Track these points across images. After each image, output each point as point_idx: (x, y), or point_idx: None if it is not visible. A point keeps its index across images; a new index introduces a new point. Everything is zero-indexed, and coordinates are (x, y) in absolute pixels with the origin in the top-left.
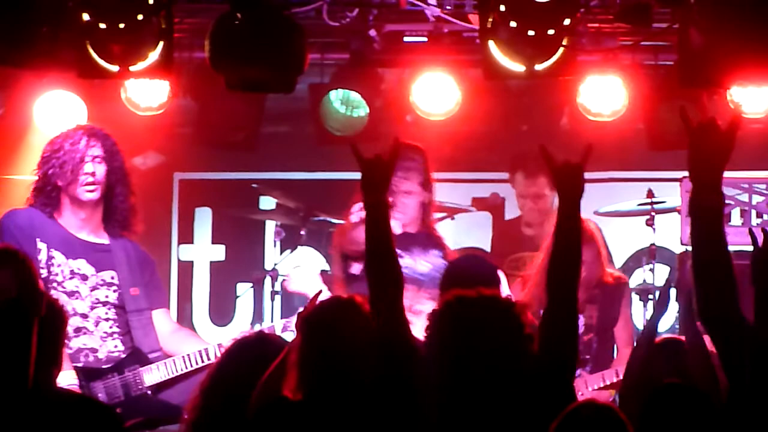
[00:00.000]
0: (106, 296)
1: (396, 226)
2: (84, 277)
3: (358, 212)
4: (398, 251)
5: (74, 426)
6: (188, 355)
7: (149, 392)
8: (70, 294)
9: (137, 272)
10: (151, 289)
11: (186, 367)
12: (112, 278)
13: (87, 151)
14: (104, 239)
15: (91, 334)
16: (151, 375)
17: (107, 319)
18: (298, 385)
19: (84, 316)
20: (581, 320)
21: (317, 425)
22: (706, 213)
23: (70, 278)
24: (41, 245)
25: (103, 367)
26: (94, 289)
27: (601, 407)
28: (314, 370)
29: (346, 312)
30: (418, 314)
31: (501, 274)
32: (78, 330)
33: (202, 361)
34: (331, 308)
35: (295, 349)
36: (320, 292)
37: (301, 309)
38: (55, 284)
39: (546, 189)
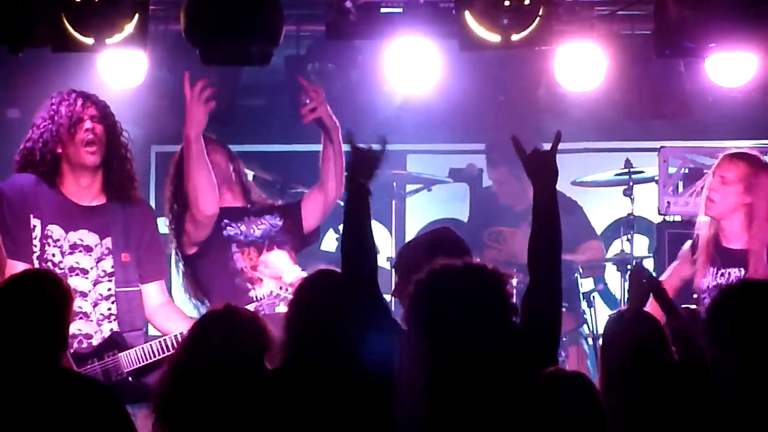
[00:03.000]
0: (112, 267)
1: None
2: (88, 249)
3: None
4: (231, 222)
5: (77, 404)
6: (164, 339)
7: (129, 378)
8: (71, 270)
9: (134, 235)
10: (147, 258)
11: (163, 352)
12: (110, 245)
13: (84, 111)
14: (102, 201)
15: (87, 318)
16: (129, 360)
17: (108, 297)
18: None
19: (84, 295)
20: None
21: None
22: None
23: (70, 253)
24: (35, 221)
25: (83, 352)
26: (99, 260)
27: (571, 374)
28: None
29: (331, 283)
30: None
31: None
32: (74, 314)
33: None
34: (318, 280)
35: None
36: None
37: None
38: (50, 264)
39: (510, 177)
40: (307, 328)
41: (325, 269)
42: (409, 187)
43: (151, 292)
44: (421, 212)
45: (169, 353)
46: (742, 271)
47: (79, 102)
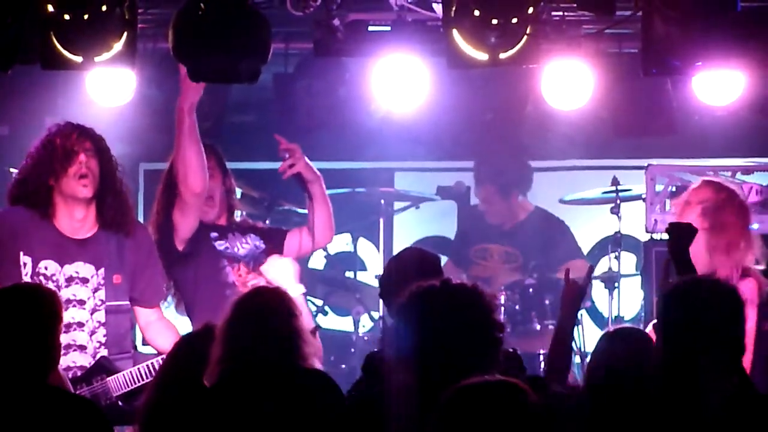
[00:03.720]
0: (106, 291)
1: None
2: (84, 280)
3: None
4: (219, 237)
5: (65, 423)
6: (151, 362)
7: (119, 402)
8: (68, 303)
9: (128, 259)
10: (145, 282)
11: (151, 375)
12: (104, 275)
13: (79, 144)
14: (95, 230)
15: (83, 351)
16: (118, 384)
17: (103, 324)
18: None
19: (81, 325)
20: None
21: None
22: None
23: (67, 286)
24: (25, 259)
25: (72, 378)
26: (96, 290)
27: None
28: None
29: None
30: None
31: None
32: (68, 347)
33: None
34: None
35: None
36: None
37: None
38: None
39: (495, 196)
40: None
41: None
42: (397, 205)
43: (146, 312)
44: (409, 230)
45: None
46: None
47: (75, 135)
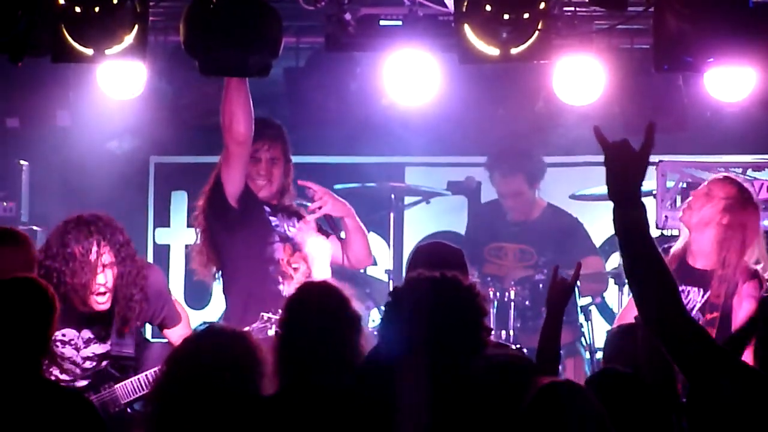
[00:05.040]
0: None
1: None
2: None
3: None
4: (272, 212)
5: (58, 415)
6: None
7: (128, 409)
8: (87, 359)
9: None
10: (167, 314)
11: None
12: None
13: (99, 260)
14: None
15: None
16: (126, 391)
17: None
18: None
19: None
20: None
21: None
22: (629, 226)
23: (85, 346)
24: None
25: (79, 385)
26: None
27: (574, 385)
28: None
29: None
30: (296, 273)
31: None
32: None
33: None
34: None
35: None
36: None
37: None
38: (67, 362)
39: (524, 186)
40: (300, 349)
41: (316, 283)
42: (408, 200)
43: (176, 331)
44: (419, 225)
45: None
46: (701, 292)
47: (94, 247)
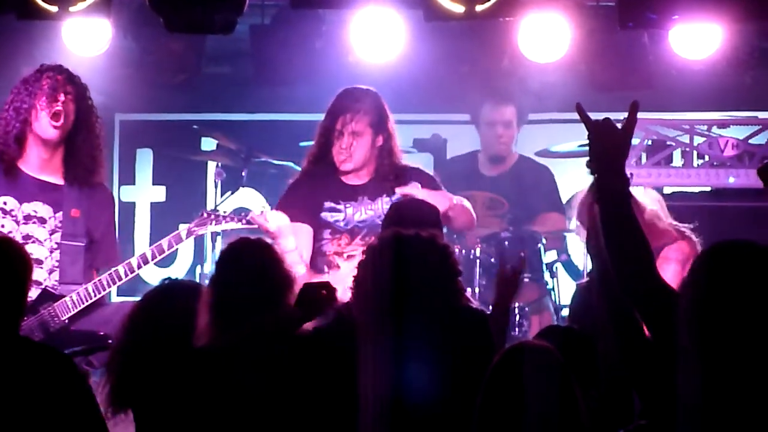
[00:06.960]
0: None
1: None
2: (42, 220)
3: None
4: (340, 203)
5: (38, 373)
6: (99, 280)
7: (70, 326)
8: (26, 239)
9: (92, 214)
10: (102, 245)
11: (99, 292)
12: (62, 219)
13: (63, 86)
14: (59, 180)
15: (39, 287)
16: (66, 307)
17: (60, 262)
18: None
19: (39, 262)
20: None
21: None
22: (612, 197)
23: (24, 223)
24: None
25: None
26: (53, 232)
27: (539, 347)
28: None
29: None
30: (349, 260)
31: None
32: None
33: (114, 283)
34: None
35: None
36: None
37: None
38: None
39: (514, 118)
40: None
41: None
42: None
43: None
44: None
45: (105, 292)
46: None
47: (61, 78)
